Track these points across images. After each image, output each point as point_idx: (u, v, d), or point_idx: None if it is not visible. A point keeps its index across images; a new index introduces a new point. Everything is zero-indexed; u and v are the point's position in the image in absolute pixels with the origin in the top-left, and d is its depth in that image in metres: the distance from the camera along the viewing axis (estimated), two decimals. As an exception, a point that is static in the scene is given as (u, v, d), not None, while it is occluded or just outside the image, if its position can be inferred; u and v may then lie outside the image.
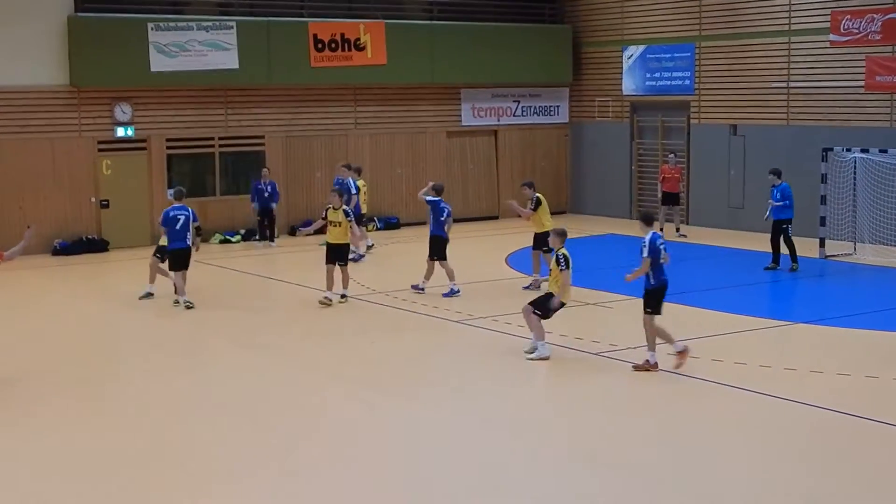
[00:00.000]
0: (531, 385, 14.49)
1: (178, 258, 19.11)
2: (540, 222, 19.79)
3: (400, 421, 12.78)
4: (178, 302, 19.07)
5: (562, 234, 15.30)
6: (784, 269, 21.82)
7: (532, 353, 15.15)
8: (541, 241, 19.51)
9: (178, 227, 18.85)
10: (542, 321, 15.14)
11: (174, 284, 19.23)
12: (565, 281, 14.98)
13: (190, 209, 19.19)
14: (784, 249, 21.93)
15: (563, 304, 15.10)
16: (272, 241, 26.91)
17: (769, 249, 22.18)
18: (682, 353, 14.46)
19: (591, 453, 11.45)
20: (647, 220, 15.23)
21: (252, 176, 27.45)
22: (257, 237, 27.20)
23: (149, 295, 19.80)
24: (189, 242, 18.93)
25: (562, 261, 14.91)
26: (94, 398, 13.97)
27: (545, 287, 17.54)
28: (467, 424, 12.56)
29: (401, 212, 29.86)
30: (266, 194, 26.81)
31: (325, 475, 10.89)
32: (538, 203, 19.84)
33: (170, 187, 24.59)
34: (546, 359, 14.98)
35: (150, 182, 26.93)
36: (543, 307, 15.10)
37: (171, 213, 18.93)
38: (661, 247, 14.67)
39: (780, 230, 21.94)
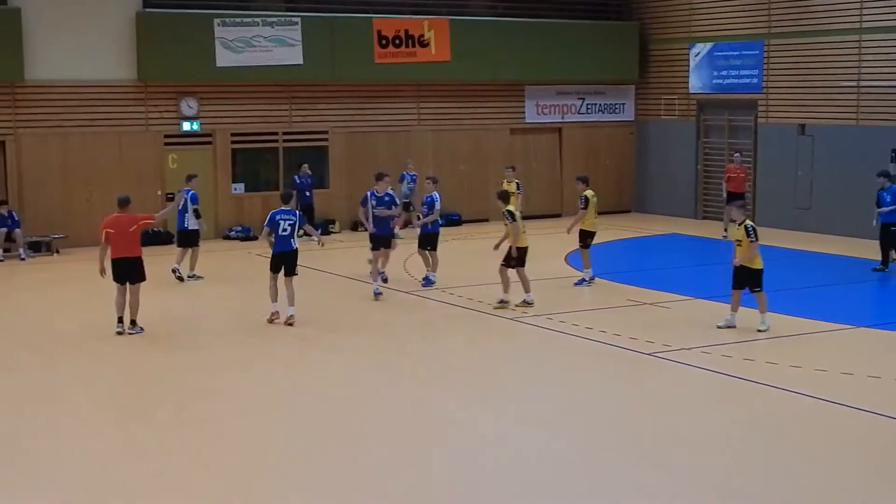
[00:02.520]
0: (584, 384, 14.36)
1: (280, 261, 17.47)
2: (588, 221, 19.94)
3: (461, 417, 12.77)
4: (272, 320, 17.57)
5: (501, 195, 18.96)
6: (890, 272, 21.57)
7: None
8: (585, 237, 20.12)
9: (280, 231, 17.40)
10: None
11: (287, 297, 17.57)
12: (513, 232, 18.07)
13: (298, 212, 17.76)
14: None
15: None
16: (313, 236, 26.73)
17: (835, 251, 21.79)
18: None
19: (645, 453, 11.33)
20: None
21: (316, 171, 27.58)
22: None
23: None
24: (294, 245, 17.48)
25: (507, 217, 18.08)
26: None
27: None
28: (517, 424, 12.51)
29: (463, 209, 29.81)
30: (307, 191, 26.83)
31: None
32: (586, 201, 19.88)
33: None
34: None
35: (215, 176, 27.17)
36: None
37: (278, 217, 17.48)
38: None
39: (889, 232, 21.56)
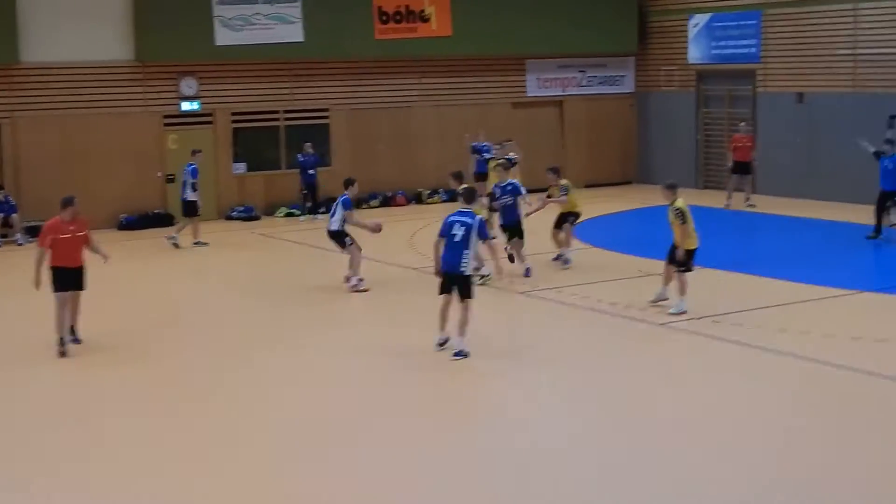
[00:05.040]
0: (596, 355, 14.48)
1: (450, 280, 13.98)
2: (573, 203, 19.70)
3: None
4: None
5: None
6: (882, 239, 21.72)
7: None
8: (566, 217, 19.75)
9: (456, 239, 13.78)
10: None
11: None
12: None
13: (476, 216, 14.07)
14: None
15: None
16: (316, 214, 26.91)
17: (836, 217, 21.93)
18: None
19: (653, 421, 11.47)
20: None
21: (318, 149, 27.56)
22: (300, 212, 27.29)
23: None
24: (464, 268, 13.76)
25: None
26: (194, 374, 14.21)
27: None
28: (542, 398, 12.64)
29: (467, 183, 29.70)
30: (309, 170, 26.86)
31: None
32: (567, 189, 19.66)
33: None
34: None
35: (215, 156, 27.12)
36: None
37: (450, 220, 14.01)
38: None
39: (886, 200, 21.71)
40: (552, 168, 20.33)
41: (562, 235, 19.70)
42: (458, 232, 13.53)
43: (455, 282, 13.71)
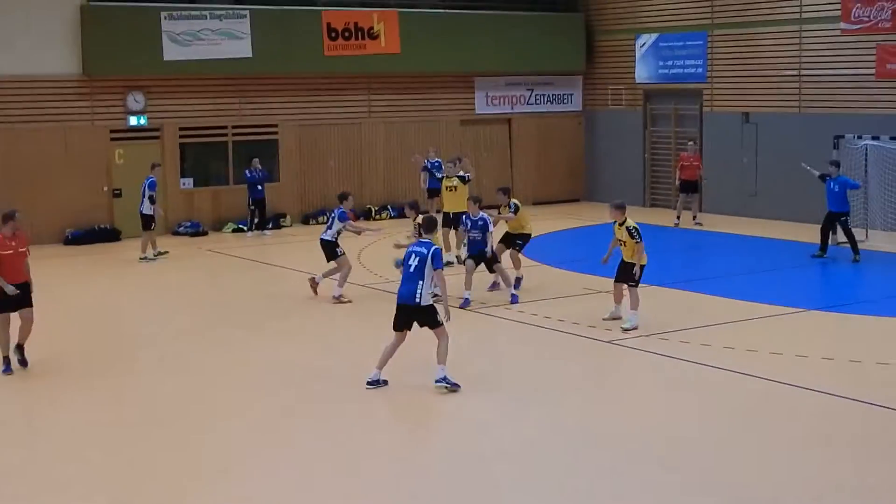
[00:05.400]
0: (547, 372, 14.51)
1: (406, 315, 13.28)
2: (523, 223, 19.30)
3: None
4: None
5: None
6: (829, 257, 21.96)
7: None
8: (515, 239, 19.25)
9: (411, 270, 13.18)
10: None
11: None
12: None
13: (432, 246, 13.19)
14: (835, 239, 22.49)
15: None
16: (264, 230, 26.90)
17: (782, 236, 22.18)
18: None
19: (599, 438, 11.51)
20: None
21: (266, 165, 27.46)
22: (247, 228, 27.14)
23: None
24: (420, 299, 12.96)
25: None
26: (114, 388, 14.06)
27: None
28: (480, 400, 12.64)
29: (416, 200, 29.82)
30: (258, 185, 26.69)
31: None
32: (517, 208, 19.20)
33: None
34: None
35: (163, 171, 26.85)
36: None
37: (409, 250, 13.49)
38: None
39: (833, 220, 21.96)
40: (503, 188, 20.08)
41: (514, 257, 19.25)
42: (413, 262, 13.10)
43: (412, 315, 13.11)
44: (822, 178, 22.23)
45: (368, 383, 13.15)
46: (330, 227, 18.76)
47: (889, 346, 15.20)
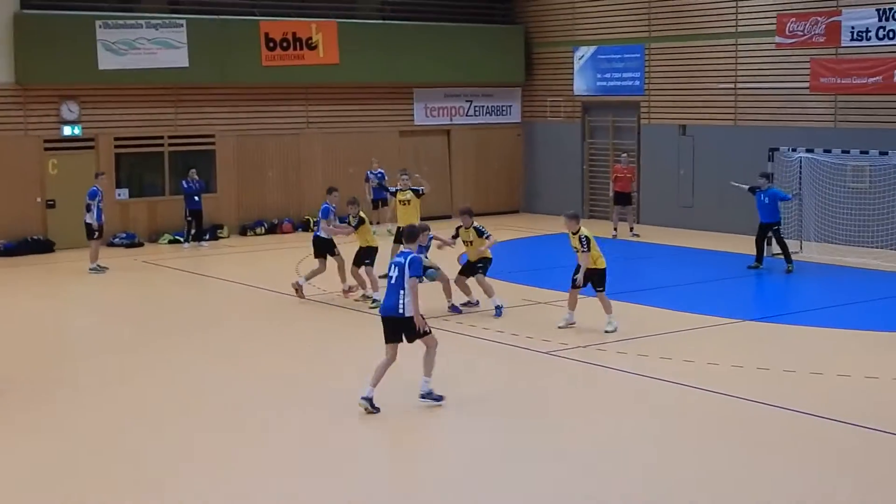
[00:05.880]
0: (484, 385, 14.48)
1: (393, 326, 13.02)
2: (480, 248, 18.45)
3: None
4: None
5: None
6: (764, 269, 22.14)
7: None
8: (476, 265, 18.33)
9: (392, 281, 12.94)
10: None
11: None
12: None
13: (409, 255, 12.89)
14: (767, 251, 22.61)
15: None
16: (201, 242, 26.75)
17: (718, 247, 22.35)
18: None
19: (550, 449, 11.50)
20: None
21: (203, 175, 27.23)
22: (184, 239, 26.90)
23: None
24: (402, 310, 12.73)
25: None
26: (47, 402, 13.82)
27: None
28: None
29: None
30: (195, 196, 26.51)
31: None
32: (484, 234, 18.17)
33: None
34: None
35: (108, 179, 26.54)
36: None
37: (391, 261, 13.23)
38: None
39: (766, 232, 22.12)
40: (467, 210, 18.41)
41: (482, 282, 18.25)
42: (394, 274, 12.85)
43: (399, 327, 12.83)
44: (752, 190, 22.46)
45: (363, 399, 12.66)
46: (317, 223, 19.38)
47: (822, 356, 15.36)
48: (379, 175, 26.77)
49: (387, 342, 12.94)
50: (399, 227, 20.65)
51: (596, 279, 16.67)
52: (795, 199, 23.64)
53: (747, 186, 22.73)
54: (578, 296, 16.92)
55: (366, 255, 18.92)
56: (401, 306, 12.75)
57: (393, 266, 12.98)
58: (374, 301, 18.23)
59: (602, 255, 16.87)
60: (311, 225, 28.97)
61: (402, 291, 12.74)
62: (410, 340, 12.94)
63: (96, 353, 16.30)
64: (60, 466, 11.11)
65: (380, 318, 13.10)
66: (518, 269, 22.68)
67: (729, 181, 24.84)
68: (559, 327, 16.77)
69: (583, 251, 16.49)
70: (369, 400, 12.68)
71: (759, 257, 22.26)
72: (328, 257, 19.36)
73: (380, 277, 17.73)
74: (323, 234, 19.19)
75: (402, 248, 13.36)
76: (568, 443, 11.73)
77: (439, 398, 12.94)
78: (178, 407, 13.23)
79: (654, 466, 10.99)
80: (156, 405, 13.31)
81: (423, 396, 12.91)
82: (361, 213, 19.23)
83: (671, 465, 11.02)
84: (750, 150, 26.00)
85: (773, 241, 22.42)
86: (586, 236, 16.56)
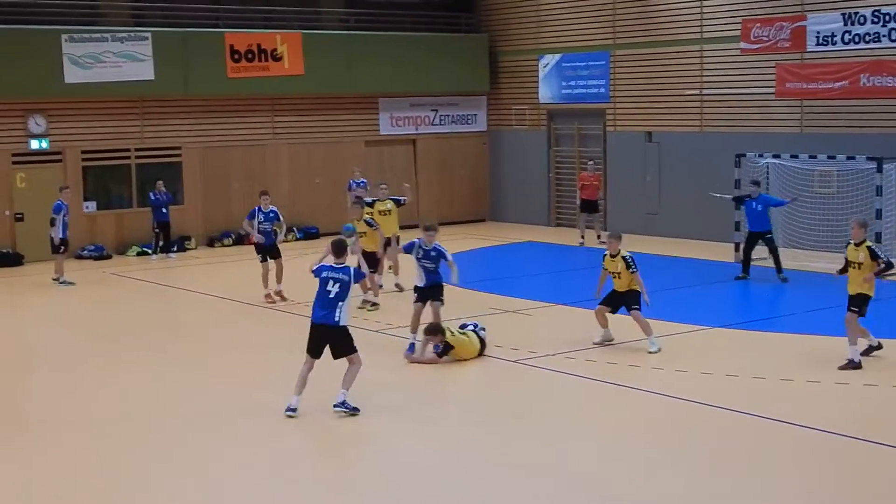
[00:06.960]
0: (454, 397, 14.54)
1: (321, 338, 13.06)
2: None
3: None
4: None
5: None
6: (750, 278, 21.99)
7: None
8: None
9: (331, 296, 12.92)
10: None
11: None
12: None
13: (350, 269, 13.05)
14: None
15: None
16: (169, 253, 26.75)
17: (684, 254, 22.36)
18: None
19: (518, 458, 11.56)
20: None
21: (170, 187, 27.19)
22: (152, 251, 26.89)
23: None
24: (339, 319, 12.89)
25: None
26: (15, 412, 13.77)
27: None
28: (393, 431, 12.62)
29: (319, 221, 29.78)
30: (162, 208, 26.50)
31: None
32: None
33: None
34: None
35: (72, 193, 26.41)
36: None
37: (324, 275, 13.08)
38: None
39: (755, 241, 21.86)
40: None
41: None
42: (333, 289, 12.81)
43: (329, 337, 12.88)
44: (739, 199, 22.39)
45: (290, 409, 12.86)
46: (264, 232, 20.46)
47: (791, 362, 15.47)
48: (362, 184, 26.79)
49: (309, 352, 12.97)
50: (387, 238, 20.57)
51: (631, 299, 16.21)
52: (791, 203, 23.30)
53: (731, 196, 22.55)
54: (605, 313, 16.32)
55: (371, 263, 18.53)
56: (338, 316, 12.84)
57: (331, 282, 12.90)
58: (374, 305, 19.10)
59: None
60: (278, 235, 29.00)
61: (341, 303, 12.83)
62: (336, 356, 12.97)
63: (45, 366, 16.27)
64: None
65: (310, 325, 13.08)
66: (484, 277, 22.72)
67: (696, 186, 24.91)
68: (595, 343, 16.30)
69: (633, 271, 16.05)
70: (343, 403, 12.85)
71: (746, 268, 21.86)
72: (268, 259, 20.45)
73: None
74: (260, 240, 20.38)
75: (333, 261, 13.18)
76: (538, 451, 11.80)
77: (356, 410, 12.92)
78: (121, 420, 13.12)
79: (616, 477, 11.09)
80: (99, 418, 13.23)
81: (337, 406, 12.93)
82: (366, 217, 19.77)
83: (624, 475, 11.12)
84: (716, 156, 26.16)
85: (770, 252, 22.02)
86: (632, 256, 16.21)
